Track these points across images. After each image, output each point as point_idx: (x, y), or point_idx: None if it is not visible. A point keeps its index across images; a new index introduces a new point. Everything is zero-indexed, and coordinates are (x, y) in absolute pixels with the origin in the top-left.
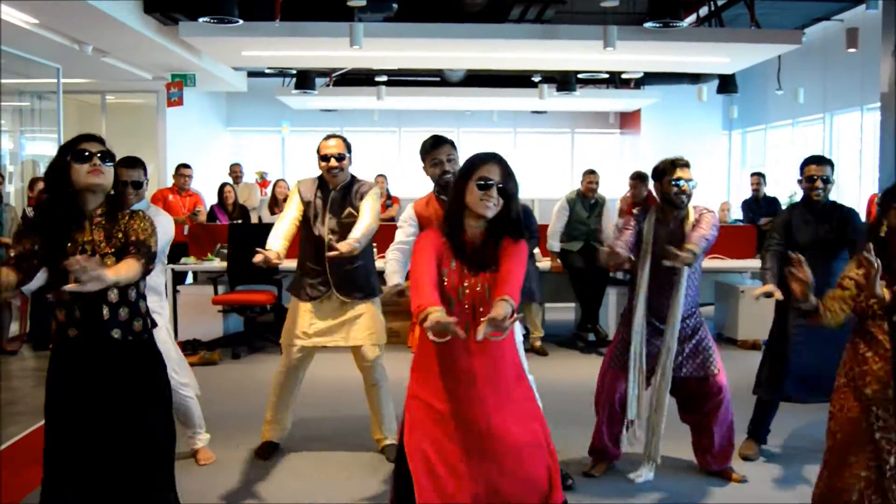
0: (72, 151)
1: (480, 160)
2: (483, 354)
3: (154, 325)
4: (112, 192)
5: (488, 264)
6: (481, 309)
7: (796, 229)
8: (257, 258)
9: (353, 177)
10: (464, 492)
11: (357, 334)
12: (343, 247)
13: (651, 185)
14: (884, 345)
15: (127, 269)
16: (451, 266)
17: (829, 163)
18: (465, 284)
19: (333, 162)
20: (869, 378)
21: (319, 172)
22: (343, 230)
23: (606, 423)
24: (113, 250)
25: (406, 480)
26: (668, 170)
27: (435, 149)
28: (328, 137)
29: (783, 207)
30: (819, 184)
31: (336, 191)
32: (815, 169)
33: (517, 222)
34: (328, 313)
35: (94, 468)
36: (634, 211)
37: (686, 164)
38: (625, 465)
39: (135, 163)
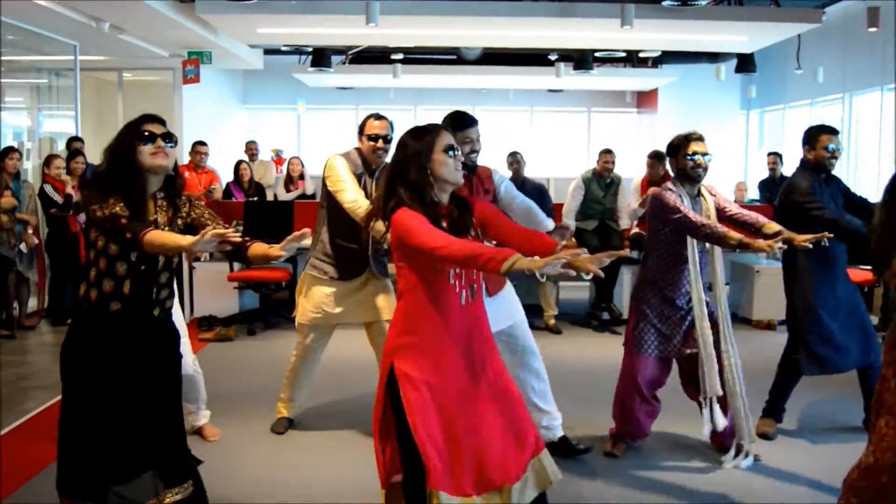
0: (137, 131)
1: (437, 130)
2: (472, 315)
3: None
4: (171, 175)
5: (468, 229)
6: (474, 275)
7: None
8: None
9: None
10: (472, 472)
11: (379, 308)
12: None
13: (668, 162)
14: None
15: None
16: None
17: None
18: None
19: (381, 143)
20: None
21: (346, 150)
22: None
23: (640, 407)
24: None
25: (414, 462)
26: (682, 144)
27: (469, 127)
28: (376, 117)
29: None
30: (837, 154)
31: (380, 170)
32: (836, 140)
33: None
34: (350, 292)
35: (115, 440)
36: (671, 186)
37: (700, 138)
38: (643, 444)
39: None
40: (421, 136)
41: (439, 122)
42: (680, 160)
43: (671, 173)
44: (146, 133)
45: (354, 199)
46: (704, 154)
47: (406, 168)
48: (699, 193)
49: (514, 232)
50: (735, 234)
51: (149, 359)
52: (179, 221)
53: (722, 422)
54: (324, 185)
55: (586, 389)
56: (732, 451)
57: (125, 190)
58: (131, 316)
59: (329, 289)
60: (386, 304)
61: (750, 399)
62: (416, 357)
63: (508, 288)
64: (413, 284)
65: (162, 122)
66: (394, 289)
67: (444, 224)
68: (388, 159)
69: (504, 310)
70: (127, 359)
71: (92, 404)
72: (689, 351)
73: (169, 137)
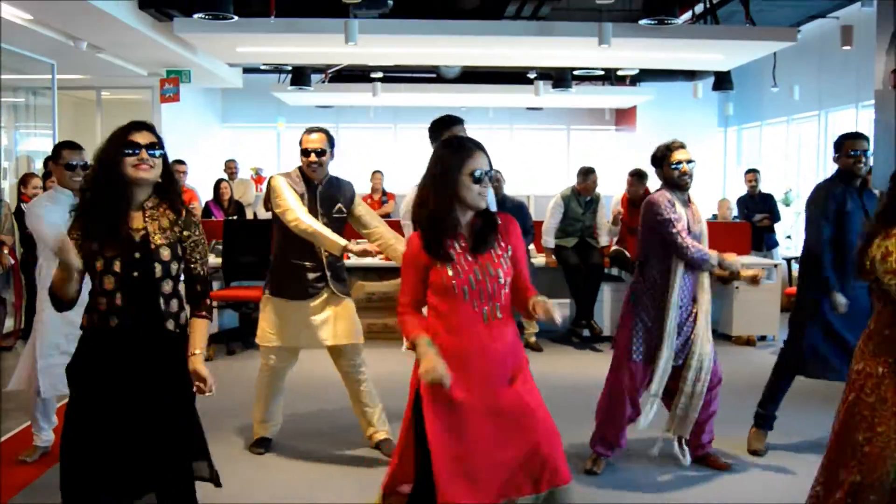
0: (121, 141)
1: (468, 151)
2: (498, 337)
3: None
4: (161, 182)
5: (489, 245)
6: (495, 293)
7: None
8: (359, 248)
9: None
10: (488, 489)
11: (342, 332)
12: (356, 247)
13: (655, 173)
14: None
15: (206, 328)
16: (452, 261)
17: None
18: (476, 271)
19: (313, 157)
20: None
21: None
22: (333, 225)
23: (628, 413)
24: (167, 242)
25: (426, 475)
26: (665, 154)
27: (454, 125)
28: (311, 131)
29: (779, 204)
30: (862, 158)
31: (322, 185)
32: (856, 143)
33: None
34: (308, 313)
35: (122, 459)
36: (668, 195)
37: (682, 146)
38: (617, 460)
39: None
40: (455, 151)
41: (423, 137)
42: (665, 170)
43: (651, 191)
44: (131, 143)
45: (296, 216)
46: (689, 161)
47: (432, 182)
48: (689, 200)
49: (518, 280)
50: (720, 270)
51: (158, 376)
52: (176, 230)
53: (645, 422)
54: (266, 202)
55: (567, 406)
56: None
57: (108, 202)
58: (134, 330)
59: (286, 309)
60: (346, 328)
61: (734, 412)
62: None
63: None
64: (431, 304)
65: (150, 128)
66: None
67: (461, 242)
68: (326, 173)
69: None
70: (133, 376)
71: (91, 424)
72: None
73: (155, 146)
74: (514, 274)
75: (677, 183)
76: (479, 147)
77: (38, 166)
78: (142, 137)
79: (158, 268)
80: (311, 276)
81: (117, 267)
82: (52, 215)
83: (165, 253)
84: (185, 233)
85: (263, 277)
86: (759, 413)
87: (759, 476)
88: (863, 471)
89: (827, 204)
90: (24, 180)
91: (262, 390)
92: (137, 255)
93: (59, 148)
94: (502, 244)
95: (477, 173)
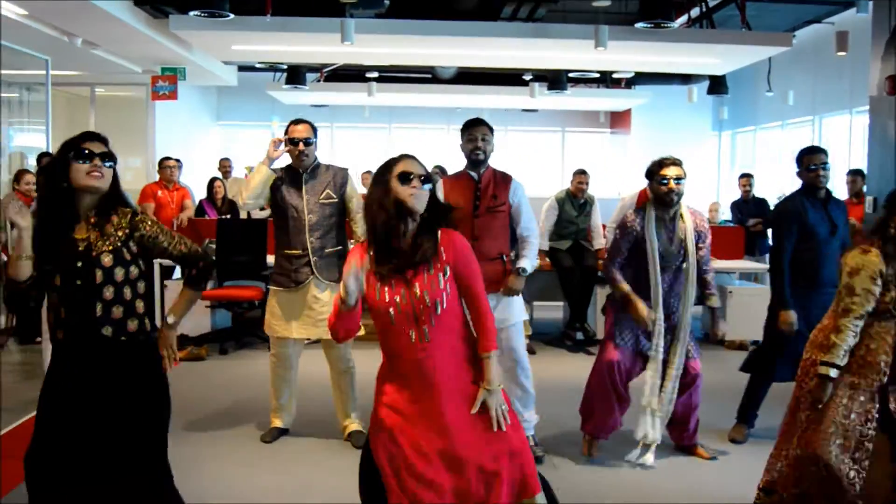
0: (74, 149)
1: (397, 159)
2: (435, 354)
3: (154, 328)
4: (108, 193)
5: (425, 258)
6: (424, 314)
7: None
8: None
9: (317, 160)
10: (434, 492)
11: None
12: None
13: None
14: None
15: (190, 298)
16: (379, 280)
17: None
18: (402, 293)
19: (302, 146)
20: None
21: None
22: (321, 211)
23: (613, 398)
24: (110, 248)
25: (374, 483)
26: (656, 169)
27: (473, 127)
28: (297, 122)
29: (772, 209)
30: (821, 171)
31: (308, 173)
32: (815, 158)
33: (445, 210)
34: (301, 301)
35: (84, 468)
36: (635, 219)
37: (674, 163)
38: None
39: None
40: (384, 167)
41: (412, 140)
42: (654, 185)
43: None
44: (85, 151)
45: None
46: (678, 178)
47: (370, 197)
48: (675, 217)
49: (473, 300)
50: (621, 288)
51: (112, 384)
52: (120, 234)
53: (654, 435)
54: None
55: (561, 409)
56: (637, 450)
57: (53, 215)
58: (80, 341)
59: (280, 299)
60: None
61: (725, 417)
62: (388, 390)
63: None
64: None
65: (103, 140)
66: None
67: (398, 257)
68: (313, 160)
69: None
70: (87, 385)
71: (58, 433)
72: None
73: (107, 157)
74: (462, 280)
75: (662, 199)
76: (407, 156)
77: (32, 162)
78: (96, 146)
79: (99, 273)
80: (296, 263)
81: (58, 280)
82: None
83: (107, 259)
84: (137, 233)
85: (257, 277)
86: (739, 412)
87: (741, 463)
88: (802, 445)
89: (790, 224)
90: (17, 177)
91: (270, 379)
92: (80, 263)
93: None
94: (440, 261)
95: (402, 178)
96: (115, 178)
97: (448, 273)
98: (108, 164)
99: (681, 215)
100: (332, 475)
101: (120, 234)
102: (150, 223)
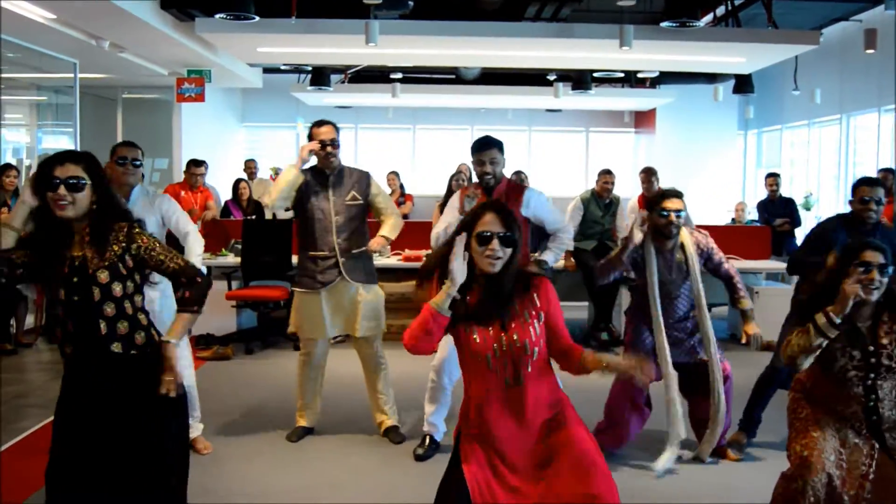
0: (42, 174)
1: (483, 210)
2: (515, 399)
3: (159, 336)
4: (95, 207)
5: (518, 313)
6: (520, 364)
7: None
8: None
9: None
10: None
11: (352, 323)
12: (374, 244)
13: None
14: None
15: (188, 321)
16: (477, 328)
17: (882, 184)
18: (502, 340)
19: (330, 148)
20: None
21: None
22: (347, 212)
23: (630, 412)
24: (105, 265)
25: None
26: (657, 200)
27: (479, 151)
28: (321, 123)
29: (799, 208)
30: (872, 206)
31: (333, 175)
32: (868, 191)
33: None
34: (338, 302)
35: (101, 482)
36: (632, 244)
37: (676, 195)
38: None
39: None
40: (470, 218)
41: (442, 138)
42: (653, 216)
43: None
44: (52, 179)
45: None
46: (677, 211)
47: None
48: (674, 248)
49: (562, 340)
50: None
51: (124, 399)
52: (116, 248)
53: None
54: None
55: (587, 410)
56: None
57: (45, 233)
58: (88, 357)
59: (305, 300)
60: (373, 320)
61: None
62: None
63: None
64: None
65: (76, 159)
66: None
67: (474, 297)
68: (339, 162)
69: None
70: (99, 400)
71: (72, 447)
72: (683, 361)
73: (76, 179)
74: (548, 322)
75: (661, 231)
76: (491, 206)
77: None
78: (62, 171)
79: (97, 291)
80: (322, 265)
81: (62, 295)
82: None
83: (103, 276)
84: (133, 245)
85: (282, 277)
86: (742, 421)
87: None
88: (802, 446)
89: (818, 249)
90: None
91: (298, 378)
92: (76, 279)
93: (114, 147)
94: (535, 308)
95: (481, 238)
96: (108, 192)
97: (542, 319)
98: (79, 184)
99: (681, 245)
100: (357, 475)
101: (116, 248)
102: (146, 236)
